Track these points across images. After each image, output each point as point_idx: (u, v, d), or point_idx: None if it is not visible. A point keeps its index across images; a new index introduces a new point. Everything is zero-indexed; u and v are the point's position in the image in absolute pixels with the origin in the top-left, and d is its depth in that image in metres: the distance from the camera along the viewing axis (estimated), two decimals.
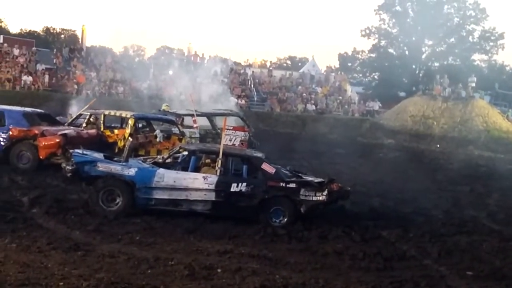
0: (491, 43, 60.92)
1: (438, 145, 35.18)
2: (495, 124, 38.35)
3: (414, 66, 60.97)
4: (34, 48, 40.96)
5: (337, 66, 64.68)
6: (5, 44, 38.84)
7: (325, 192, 12.24)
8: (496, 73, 60.34)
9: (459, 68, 54.47)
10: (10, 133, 15.80)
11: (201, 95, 32.36)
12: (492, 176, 23.19)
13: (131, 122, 17.03)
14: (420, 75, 60.29)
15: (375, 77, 65.92)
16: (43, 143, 15.55)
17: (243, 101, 39.97)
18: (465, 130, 37.63)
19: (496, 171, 25.18)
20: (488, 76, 55.57)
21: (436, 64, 61.60)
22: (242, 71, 46.24)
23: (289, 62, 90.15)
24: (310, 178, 12.90)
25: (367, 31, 62.75)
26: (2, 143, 15.85)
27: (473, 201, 16.95)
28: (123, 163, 12.05)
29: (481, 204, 16.67)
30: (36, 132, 15.81)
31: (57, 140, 15.54)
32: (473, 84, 41.35)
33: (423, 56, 61.74)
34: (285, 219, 12.06)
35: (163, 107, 22.92)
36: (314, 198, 12.22)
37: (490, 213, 15.42)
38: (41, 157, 15.58)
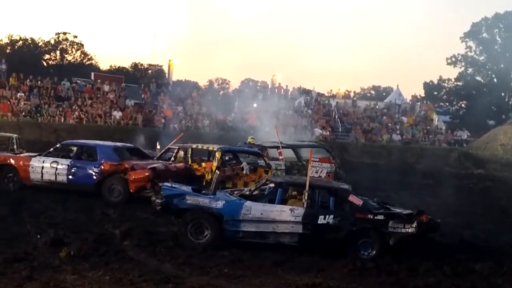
0: None
1: None
2: None
3: (503, 94, 59.39)
4: (123, 84, 42.20)
5: (423, 95, 63.77)
6: (99, 81, 40.17)
7: (414, 224, 11.99)
8: None
9: None
10: (102, 167, 16.29)
11: (285, 126, 32.54)
12: None
13: (218, 155, 17.27)
14: (510, 102, 58.66)
15: (463, 105, 64.55)
16: (133, 177, 15.96)
17: (328, 132, 39.88)
18: None
19: None
20: None
21: None
22: (326, 102, 46.22)
23: (373, 92, 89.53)
24: (398, 210, 12.68)
25: (453, 59, 61.68)
26: (95, 177, 16.36)
27: None
28: (211, 196, 12.19)
29: None
30: (127, 166, 16.25)
31: (147, 174, 15.91)
32: None
33: None
34: (374, 252, 11.86)
35: (249, 139, 23.13)
36: (403, 230, 11.99)
37: None
38: (131, 190, 15.98)
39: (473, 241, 14.13)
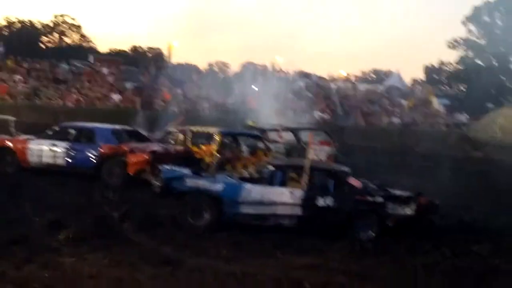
0: None
1: None
2: None
3: (502, 77, 59.33)
4: (122, 67, 42.08)
5: (423, 78, 63.75)
6: (98, 63, 40.02)
7: (413, 206, 12.05)
8: None
9: None
10: (101, 150, 16.29)
11: (285, 109, 32.49)
12: None
13: (217, 137, 17.24)
14: (509, 85, 58.58)
15: (462, 88, 64.52)
16: (132, 160, 15.95)
17: (328, 115, 39.83)
18: None
19: None
20: None
21: None
22: (326, 85, 46.11)
23: (373, 75, 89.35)
24: (397, 192, 12.71)
25: (454, 43, 61.59)
26: (94, 160, 16.35)
27: None
28: (211, 178, 12.21)
29: None
30: (126, 149, 16.24)
31: (146, 157, 15.92)
32: None
33: None
34: (373, 233, 11.92)
35: (249, 122, 23.07)
36: (402, 212, 12.04)
37: None
38: (130, 173, 15.97)
39: (471, 222, 14.17)
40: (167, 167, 12.82)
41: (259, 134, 19.53)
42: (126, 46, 74.90)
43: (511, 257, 11.17)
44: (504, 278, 9.90)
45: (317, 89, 43.84)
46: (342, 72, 58.85)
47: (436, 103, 46.72)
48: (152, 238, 10.78)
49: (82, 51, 60.97)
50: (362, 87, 47.92)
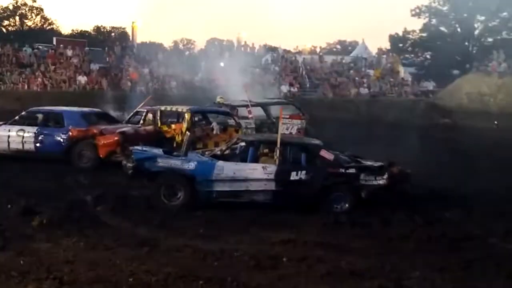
0: None
1: (495, 123, 34.46)
2: None
3: (467, 43, 59.85)
4: (86, 48, 41.62)
5: (388, 47, 63.99)
6: (61, 46, 39.48)
7: (386, 176, 12.14)
8: None
9: None
10: (70, 133, 16.13)
11: (253, 84, 32.46)
12: None
13: (187, 116, 17.18)
14: (474, 52, 59.15)
15: (427, 56, 64.98)
16: (102, 142, 15.84)
17: (296, 89, 39.91)
18: None
19: None
20: None
21: (490, 39, 60.33)
22: (292, 58, 46.12)
23: (339, 46, 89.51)
24: (369, 163, 12.80)
25: (417, 11, 61.88)
26: (63, 144, 16.19)
27: None
28: (183, 158, 12.17)
29: None
30: (95, 131, 16.11)
31: (116, 138, 15.80)
32: None
33: (476, 32, 60.55)
34: (346, 205, 11.99)
35: (218, 99, 22.98)
36: (375, 183, 12.13)
37: None
38: (101, 155, 15.87)
39: (443, 190, 14.32)
40: (138, 148, 12.76)
41: (229, 111, 19.50)
42: (89, 27, 74.01)
43: (482, 222, 11.36)
44: (477, 243, 10.06)
45: (284, 63, 43.82)
46: (308, 45, 58.79)
47: (403, 72, 47.07)
48: (127, 220, 10.73)
49: (45, 33, 60.06)
50: (329, 59, 47.97)
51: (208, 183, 11.80)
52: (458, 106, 37.95)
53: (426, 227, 11.00)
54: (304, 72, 43.52)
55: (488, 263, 8.75)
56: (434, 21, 62.30)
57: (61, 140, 16.20)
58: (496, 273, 8.34)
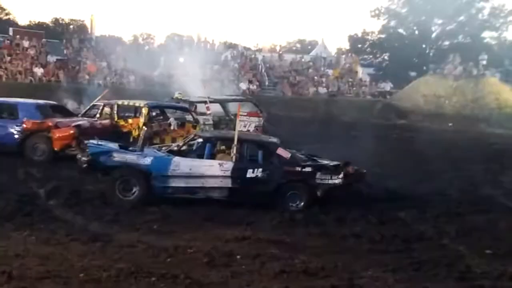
0: (501, 20, 60.50)
1: (450, 124, 35.02)
2: (507, 101, 38.25)
3: (424, 46, 60.66)
4: (44, 40, 40.93)
5: (348, 48, 64.50)
6: (18, 36, 38.77)
7: (341, 175, 12.26)
8: (506, 50, 59.85)
9: (470, 46, 54.17)
10: (24, 125, 15.86)
11: (212, 81, 32.38)
12: (505, 154, 23.02)
13: (144, 111, 17.07)
14: (431, 54, 59.98)
15: (386, 58, 65.66)
16: (57, 135, 15.63)
17: (255, 86, 39.92)
18: (477, 108, 37.54)
19: (509, 148, 25.00)
20: (499, 54, 55.17)
21: (447, 42, 61.27)
22: (252, 56, 46.13)
23: (298, 45, 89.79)
24: (325, 162, 12.89)
25: (377, 12, 62.48)
26: (16, 136, 15.92)
27: (488, 179, 16.81)
28: (139, 153, 12.07)
29: (496, 182, 16.54)
30: (50, 124, 15.87)
31: (71, 132, 15.61)
32: (484, 62, 41.29)
33: (433, 35, 61.40)
34: (302, 204, 12.06)
35: (176, 95, 22.86)
36: (330, 182, 12.23)
37: (506, 191, 15.29)
38: (55, 149, 15.67)
39: (397, 190, 14.49)
40: (94, 142, 12.60)
41: (187, 107, 19.42)
42: (47, 19, 72.89)
43: (435, 222, 11.51)
44: (429, 243, 10.18)
45: (243, 60, 43.81)
46: (267, 43, 58.86)
47: (361, 73, 47.49)
48: (80, 215, 10.59)
49: (1, 23, 58.93)
50: (288, 57, 48.11)
51: (164, 179, 11.73)
52: (414, 108, 38.46)
53: (379, 226, 11.09)
54: (263, 70, 43.57)
55: (440, 264, 8.84)
56: (392, 23, 62.99)
57: (15, 132, 15.92)
58: (448, 274, 8.43)
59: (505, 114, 36.31)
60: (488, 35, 62.68)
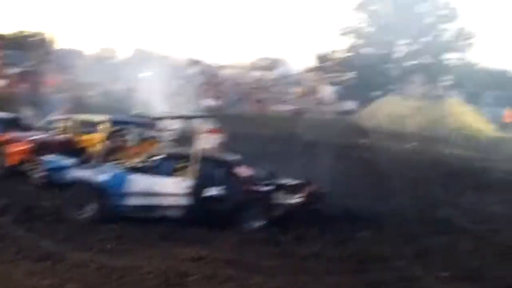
0: (464, 42, 61.35)
1: (410, 144, 35.28)
2: (467, 122, 38.76)
3: (389, 66, 61.21)
4: (6, 51, 40.40)
5: (313, 66, 64.76)
6: None
7: (300, 194, 12.18)
8: (469, 72, 60.71)
9: (434, 67, 54.83)
10: None
11: (175, 96, 32.19)
12: (463, 174, 23.20)
13: (104, 126, 16.82)
14: (395, 74, 60.54)
15: (351, 76, 66.05)
16: (13, 150, 15.29)
17: (218, 103, 39.85)
18: (438, 129, 37.91)
19: (467, 169, 25.22)
20: (462, 75, 55.89)
21: (411, 62, 61.86)
22: (217, 72, 46.08)
23: (263, 63, 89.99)
24: (285, 181, 12.81)
25: (344, 31, 62.93)
26: None
27: (446, 200, 16.90)
28: (95, 169, 11.87)
29: (454, 202, 16.63)
30: (6, 138, 15.55)
31: (28, 146, 15.28)
32: (448, 83, 41.80)
33: (398, 56, 62.03)
34: (261, 223, 11.95)
35: (137, 110, 22.64)
36: (290, 201, 12.15)
37: (464, 212, 15.38)
38: (11, 163, 15.31)
39: (356, 210, 14.46)
40: (50, 157, 12.40)
41: (148, 122, 19.20)
42: (9, 30, 72.00)
43: (392, 243, 11.49)
44: (385, 265, 10.15)
45: (207, 76, 43.76)
46: (232, 59, 58.93)
47: (326, 91, 47.73)
48: (32, 232, 10.35)
49: None
50: (253, 74, 48.15)
51: (120, 197, 11.55)
52: (376, 127, 38.68)
53: (337, 246, 11.07)
54: (227, 87, 43.54)
55: (396, 286, 8.82)
56: (359, 42, 63.49)
57: None
58: None
59: (464, 135, 36.73)
60: (452, 56, 63.45)
